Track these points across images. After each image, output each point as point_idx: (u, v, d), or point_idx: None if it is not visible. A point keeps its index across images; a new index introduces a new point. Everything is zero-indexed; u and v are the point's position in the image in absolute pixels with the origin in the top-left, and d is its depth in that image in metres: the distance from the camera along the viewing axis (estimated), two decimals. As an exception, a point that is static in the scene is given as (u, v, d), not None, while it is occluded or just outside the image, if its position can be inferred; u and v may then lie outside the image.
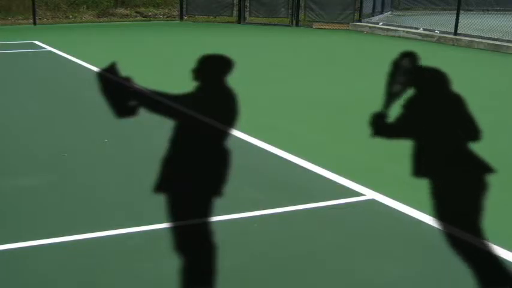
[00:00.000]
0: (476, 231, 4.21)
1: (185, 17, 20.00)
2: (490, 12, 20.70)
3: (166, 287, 3.53)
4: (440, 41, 15.57)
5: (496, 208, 4.81)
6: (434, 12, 20.30)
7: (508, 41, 14.29)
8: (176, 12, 20.33)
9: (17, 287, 3.52)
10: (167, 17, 20.39)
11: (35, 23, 17.73)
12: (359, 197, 4.93)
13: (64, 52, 12.14)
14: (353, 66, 11.91)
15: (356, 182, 5.15)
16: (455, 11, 15.78)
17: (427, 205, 4.68)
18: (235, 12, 19.72)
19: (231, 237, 4.12)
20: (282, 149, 6.05)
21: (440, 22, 16.50)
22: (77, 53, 11.83)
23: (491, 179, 5.41)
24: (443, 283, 3.64)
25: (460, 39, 15.11)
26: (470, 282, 3.60)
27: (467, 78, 10.91)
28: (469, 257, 3.89)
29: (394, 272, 3.76)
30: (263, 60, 12.47)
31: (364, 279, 3.66)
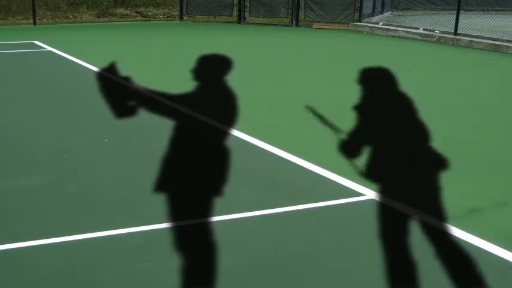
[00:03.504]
0: (477, 230, 4.22)
1: (185, 17, 20.01)
2: (490, 12, 20.72)
3: (166, 286, 3.53)
4: (440, 41, 15.58)
5: (496, 207, 4.82)
6: (434, 12, 20.32)
7: (508, 41, 14.29)
8: (176, 12, 20.33)
9: (17, 287, 3.52)
10: (167, 17, 20.40)
11: (35, 23, 17.74)
12: (359, 197, 4.92)
13: (64, 52, 12.15)
14: (353, 66, 11.90)
15: (356, 182, 5.15)
16: (455, 11, 15.79)
17: (426, 205, 4.69)
18: (235, 12, 19.73)
19: (231, 237, 4.12)
20: (282, 149, 6.05)
21: (440, 22, 16.51)
22: (77, 53, 11.83)
23: (490, 179, 5.41)
24: (444, 282, 3.63)
25: (460, 39, 15.11)
26: (469, 281, 3.59)
27: (467, 78, 10.91)
28: (469, 256, 3.89)
29: (394, 272, 3.75)
30: (263, 60, 12.47)
31: (364, 279, 3.65)
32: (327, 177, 5.35)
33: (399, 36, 16.54)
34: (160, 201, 3.99)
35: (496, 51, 14.09)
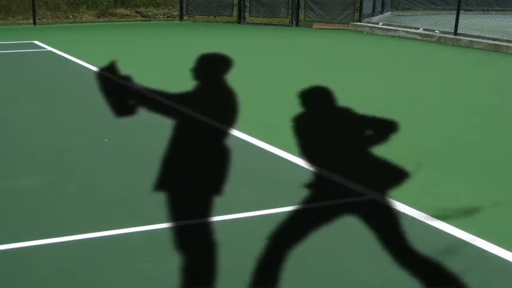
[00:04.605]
0: (476, 230, 4.22)
1: (185, 17, 20.01)
2: (490, 12, 20.72)
3: (166, 286, 3.53)
4: (440, 41, 15.58)
5: (495, 207, 4.81)
6: (434, 12, 20.31)
7: (508, 41, 14.29)
8: (176, 12, 20.34)
9: (17, 287, 3.52)
10: (167, 17, 20.40)
11: (35, 23, 17.74)
12: (359, 197, 4.92)
13: (64, 52, 12.15)
14: (353, 66, 11.91)
15: (356, 182, 5.15)
16: (455, 11, 15.79)
17: (426, 205, 4.69)
18: (235, 12, 19.73)
19: (231, 237, 4.12)
20: (282, 149, 6.05)
21: (440, 22, 16.51)
22: (77, 53, 11.83)
23: (490, 179, 5.41)
24: (443, 282, 3.63)
25: (460, 39, 15.11)
26: (469, 280, 3.60)
27: (466, 78, 10.92)
28: (469, 256, 3.89)
29: (394, 272, 3.75)
30: (263, 60, 12.47)
31: (364, 279, 3.65)
32: (327, 177, 5.34)
33: (399, 36, 16.54)
34: (160, 201, 3.99)
35: (496, 51, 14.09)
